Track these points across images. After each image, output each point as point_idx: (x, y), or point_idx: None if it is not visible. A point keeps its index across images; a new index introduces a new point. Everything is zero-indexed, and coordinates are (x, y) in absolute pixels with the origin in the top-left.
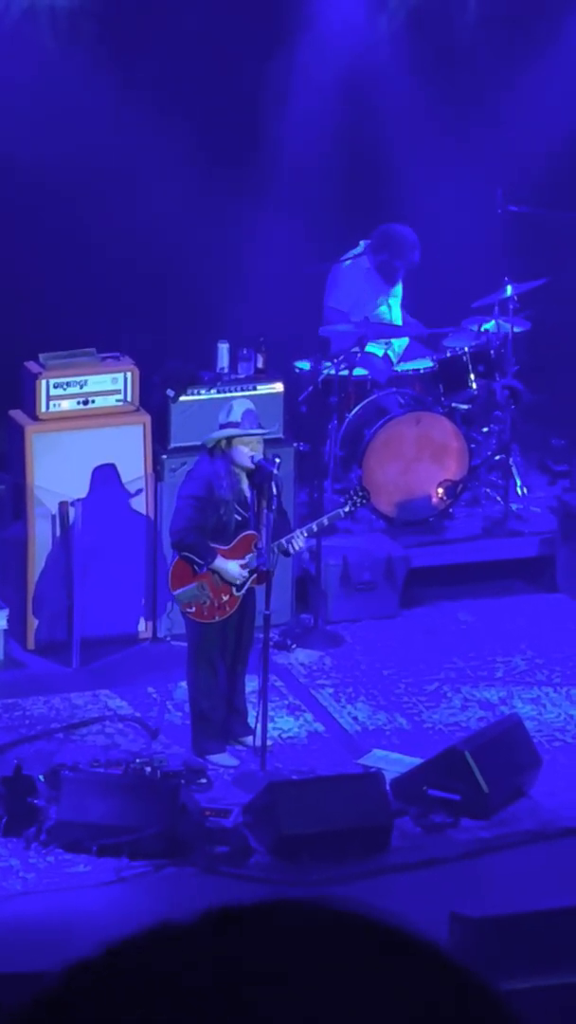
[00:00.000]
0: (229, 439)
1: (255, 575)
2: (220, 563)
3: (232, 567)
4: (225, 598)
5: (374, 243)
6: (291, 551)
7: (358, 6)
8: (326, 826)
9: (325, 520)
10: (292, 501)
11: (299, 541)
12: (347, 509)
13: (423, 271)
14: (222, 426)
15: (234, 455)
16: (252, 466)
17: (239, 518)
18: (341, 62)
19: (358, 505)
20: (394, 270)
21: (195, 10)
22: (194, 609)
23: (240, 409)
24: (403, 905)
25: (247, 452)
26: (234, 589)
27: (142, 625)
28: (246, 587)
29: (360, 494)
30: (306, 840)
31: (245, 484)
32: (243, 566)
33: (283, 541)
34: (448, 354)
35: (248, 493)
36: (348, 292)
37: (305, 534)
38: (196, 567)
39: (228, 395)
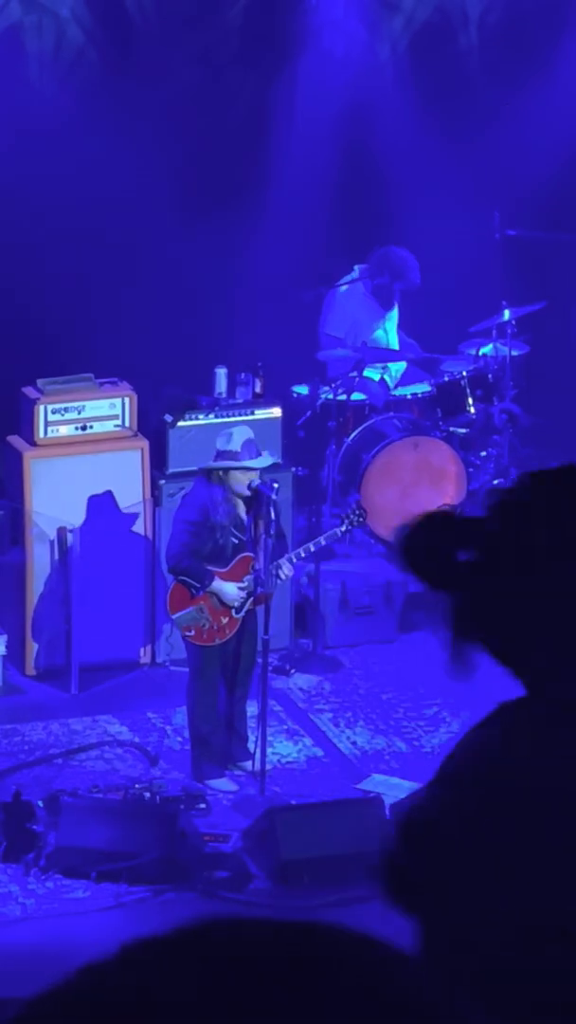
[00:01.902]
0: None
1: (253, 597)
2: (218, 585)
3: (230, 589)
4: (224, 620)
5: (373, 266)
6: (281, 578)
7: (358, 31)
8: (325, 851)
9: (322, 540)
10: (291, 526)
11: (287, 569)
12: (343, 528)
13: (421, 295)
14: (220, 453)
15: (231, 483)
16: (249, 492)
17: (236, 541)
18: (339, 87)
19: (355, 525)
20: (391, 293)
21: (194, 36)
22: (193, 632)
23: (240, 439)
24: (402, 929)
25: (244, 480)
26: (233, 611)
27: (141, 650)
28: (245, 609)
29: (356, 513)
30: (305, 865)
31: (242, 508)
32: (241, 588)
33: (274, 568)
34: (446, 378)
35: (245, 517)
36: (344, 318)
37: (301, 555)
38: (193, 590)
39: (226, 420)
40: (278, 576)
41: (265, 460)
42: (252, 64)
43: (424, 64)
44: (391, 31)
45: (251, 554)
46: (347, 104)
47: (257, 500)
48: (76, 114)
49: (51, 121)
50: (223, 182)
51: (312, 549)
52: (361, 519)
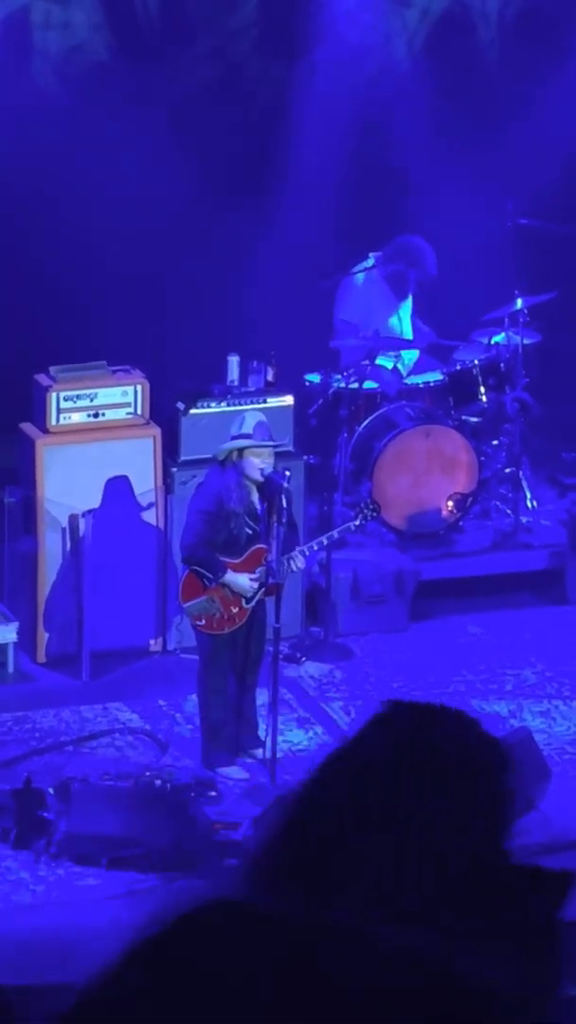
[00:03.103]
0: (240, 451)
1: (265, 587)
2: (231, 577)
3: (242, 580)
4: (235, 610)
5: (388, 254)
6: (293, 569)
7: (374, 23)
8: None
9: (335, 533)
10: (302, 514)
11: (299, 561)
12: (357, 523)
13: (434, 284)
14: (233, 438)
15: (245, 467)
16: (262, 479)
17: (249, 531)
18: (355, 78)
19: (368, 519)
20: (406, 282)
21: (208, 26)
22: (204, 622)
23: (252, 421)
24: None
25: (258, 464)
26: (244, 601)
27: (151, 640)
28: (256, 599)
29: (370, 507)
30: None
31: (255, 497)
32: (253, 579)
33: (285, 559)
34: (458, 367)
35: (259, 506)
36: (359, 305)
37: (314, 547)
38: (207, 581)
39: (238, 408)
40: (290, 567)
41: (277, 442)
42: (268, 54)
43: (440, 55)
44: (408, 23)
45: (264, 546)
46: (363, 94)
47: (269, 488)
48: (91, 106)
49: (66, 113)
50: (237, 171)
51: (325, 542)
52: (375, 512)
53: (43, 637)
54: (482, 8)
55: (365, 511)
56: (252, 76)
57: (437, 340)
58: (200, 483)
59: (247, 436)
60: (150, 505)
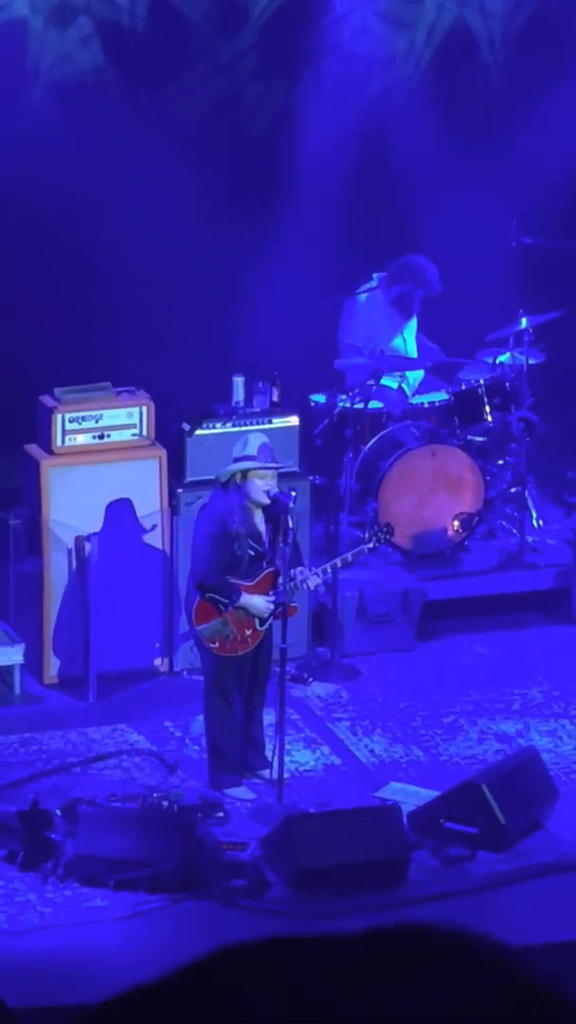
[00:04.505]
0: (244, 473)
1: (280, 609)
2: (246, 599)
3: (258, 602)
4: (248, 632)
5: (393, 274)
6: (307, 589)
7: (379, 41)
8: (343, 859)
9: (349, 556)
10: (307, 535)
11: (312, 581)
12: (371, 546)
13: (438, 303)
14: (237, 459)
15: (248, 489)
16: (267, 501)
17: (252, 552)
18: (356, 97)
19: (381, 541)
20: (411, 301)
21: (211, 44)
22: (218, 644)
23: (256, 443)
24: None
25: (262, 487)
26: (257, 623)
27: (158, 659)
28: (269, 621)
29: (384, 530)
30: (323, 873)
31: (259, 518)
32: (269, 600)
33: (297, 581)
34: (463, 386)
35: (262, 527)
36: (363, 326)
37: (328, 570)
38: (221, 607)
39: (244, 428)
40: (305, 586)
41: (281, 464)
42: (269, 76)
43: (444, 74)
44: (410, 43)
45: (275, 567)
46: (365, 115)
47: (275, 509)
48: (94, 129)
49: (69, 137)
50: (241, 191)
51: (339, 565)
52: (389, 535)
53: (50, 658)
54: (485, 27)
55: (379, 534)
56: (254, 98)
57: (445, 358)
58: (203, 506)
59: (251, 458)
60: (155, 526)
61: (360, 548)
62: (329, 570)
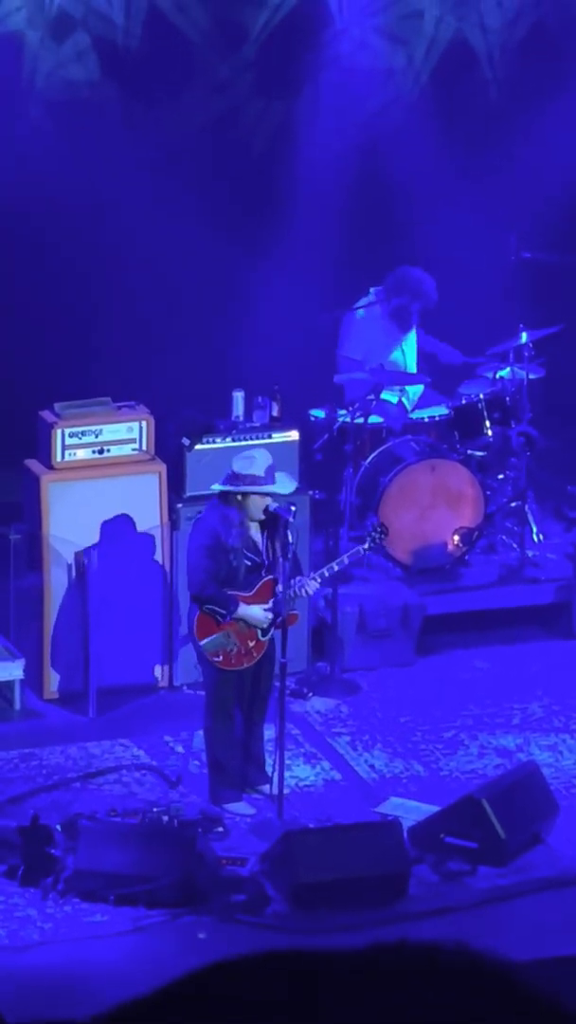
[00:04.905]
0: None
1: (278, 618)
2: (244, 610)
3: (256, 612)
4: (252, 643)
5: (389, 287)
6: (305, 595)
7: (377, 55)
8: (343, 874)
9: (346, 559)
10: (307, 549)
11: (310, 586)
12: (366, 546)
13: (437, 318)
14: (240, 476)
15: (249, 507)
16: (264, 516)
17: (248, 563)
18: (355, 112)
19: (377, 542)
20: (409, 314)
21: (210, 58)
22: (221, 658)
23: (264, 463)
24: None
25: (261, 504)
26: (259, 633)
27: (159, 673)
28: (271, 632)
29: (378, 531)
30: (323, 888)
31: (256, 531)
32: (267, 610)
33: (295, 588)
34: (463, 401)
35: (258, 536)
36: (361, 340)
37: (325, 574)
38: (219, 618)
39: (244, 443)
40: (303, 592)
41: (289, 486)
42: (269, 84)
43: (443, 89)
44: (411, 56)
45: (273, 576)
46: (365, 128)
47: (275, 523)
48: (91, 145)
49: (67, 152)
50: (241, 206)
51: (336, 568)
52: (383, 535)
53: (50, 674)
54: (484, 42)
55: (373, 534)
56: (253, 114)
57: (465, 359)
58: (197, 518)
59: (257, 478)
60: (155, 541)
61: (356, 549)
62: (326, 574)
